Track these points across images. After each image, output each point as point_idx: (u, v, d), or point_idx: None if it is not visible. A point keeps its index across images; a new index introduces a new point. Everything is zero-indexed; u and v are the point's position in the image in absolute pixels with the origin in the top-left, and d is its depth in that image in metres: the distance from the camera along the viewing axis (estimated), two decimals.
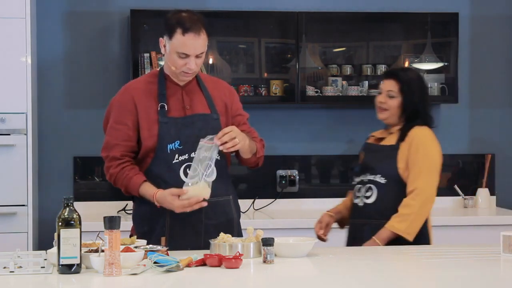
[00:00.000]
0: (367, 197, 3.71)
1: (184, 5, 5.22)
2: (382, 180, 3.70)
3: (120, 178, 3.44)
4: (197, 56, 3.39)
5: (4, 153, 4.65)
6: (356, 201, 3.77)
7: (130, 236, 3.41)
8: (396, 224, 3.59)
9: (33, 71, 4.81)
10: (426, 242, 3.69)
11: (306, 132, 5.48)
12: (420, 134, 3.70)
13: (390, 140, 3.77)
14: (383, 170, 3.70)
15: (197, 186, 3.29)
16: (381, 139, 3.82)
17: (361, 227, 3.71)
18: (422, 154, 3.67)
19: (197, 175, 3.29)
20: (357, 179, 3.79)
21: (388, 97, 3.77)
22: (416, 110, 3.74)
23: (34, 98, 4.89)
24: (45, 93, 5.22)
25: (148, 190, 3.40)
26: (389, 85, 3.79)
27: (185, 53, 3.37)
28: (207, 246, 3.28)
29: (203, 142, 3.31)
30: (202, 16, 3.43)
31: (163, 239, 3.36)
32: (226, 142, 3.30)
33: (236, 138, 3.31)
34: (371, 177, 3.72)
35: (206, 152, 3.30)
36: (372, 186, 3.71)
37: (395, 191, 3.67)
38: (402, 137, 3.71)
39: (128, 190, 3.46)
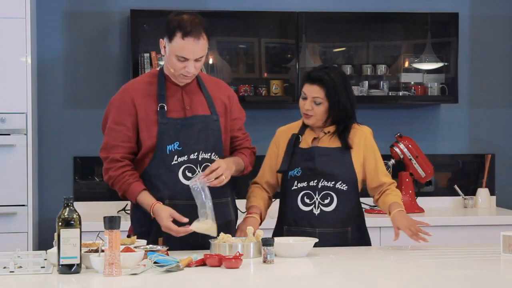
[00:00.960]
0: (325, 205, 3.54)
1: (184, 5, 5.25)
2: (343, 187, 3.54)
3: (119, 182, 3.43)
4: (196, 60, 3.38)
5: (4, 153, 4.65)
6: (306, 208, 3.55)
7: (128, 236, 3.41)
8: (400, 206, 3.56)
9: (33, 71, 4.80)
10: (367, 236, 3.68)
11: None
12: (367, 134, 3.63)
13: (331, 142, 3.60)
14: (344, 177, 3.54)
15: (204, 224, 3.29)
16: (315, 138, 3.64)
17: (321, 236, 3.46)
18: (377, 153, 3.63)
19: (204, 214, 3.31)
20: (302, 184, 3.56)
21: (314, 103, 3.56)
22: (345, 111, 3.57)
23: (34, 98, 4.89)
24: (45, 93, 5.22)
25: (146, 199, 3.39)
26: (314, 91, 3.55)
27: (184, 57, 3.36)
28: (204, 248, 3.29)
29: (193, 183, 3.32)
30: (204, 19, 3.41)
31: (160, 239, 3.36)
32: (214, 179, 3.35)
33: (223, 175, 3.35)
34: (328, 184, 3.53)
35: (201, 193, 3.33)
36: (330, 193, 3.53)
37: (353, 196, 3.58)
38: (347, 142, 3.57)
39: (126, 196, 3.45)
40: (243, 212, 4.96)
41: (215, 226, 3.30)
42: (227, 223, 3.50)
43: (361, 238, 3.62)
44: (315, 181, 3.55)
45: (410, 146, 5.18)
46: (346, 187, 3.55)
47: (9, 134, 4.67)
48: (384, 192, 3.61)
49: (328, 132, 3.61)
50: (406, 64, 5.42)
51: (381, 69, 5.38)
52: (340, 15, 5.36)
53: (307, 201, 3.56)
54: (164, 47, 3.42)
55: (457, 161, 5.62)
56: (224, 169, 3.37)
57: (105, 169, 3.47)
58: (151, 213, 3.36)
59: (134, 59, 5.07)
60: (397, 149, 5.19)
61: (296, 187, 3.58)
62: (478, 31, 5.60)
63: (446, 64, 5.39)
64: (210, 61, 5.23)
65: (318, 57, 5.37)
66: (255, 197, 3.67)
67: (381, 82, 5.37)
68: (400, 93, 5.36)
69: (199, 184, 3.30)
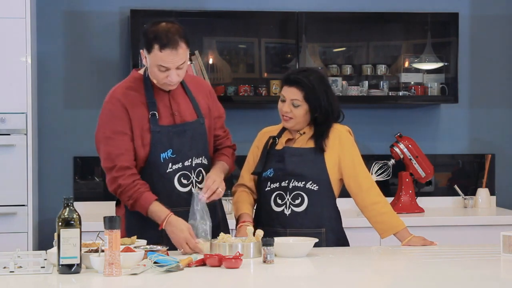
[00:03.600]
0: (296, 205, 3.52)
1: (184, 5, 5.26)
2: (314, 187, 3.51)
3: (130, 190, 3.36)
4: (178, 68, 3.35)
5: (4, 153, 4.65)
6: (278, 209, 3.53)
7: None
8: (400, 222, 3.55)
9: (33, 71, 4.80)
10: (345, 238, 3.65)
11: None
12: (343, 132, 3.58)
13: (307, 143, 3.58)
14: (314, 177, 3.51)
15: (206, 245, 3.29)
16: (290, 139, 3.61)
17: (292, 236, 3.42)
18: (355, 150, 3.58)
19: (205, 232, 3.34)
20: (274, 185, 3.55)
21: (293, 106, 3.53)
22: (326, 114, 3.55)
23: (34, 98, 4.89)
24: (45, 93, 5.22)
25: (160, 209, 3.34)
26: (292, 94, 3.53)
27: (165, 66, 3.34)
28: None
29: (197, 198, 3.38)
30: (181, 25, 3.38)
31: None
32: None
33: (219, 188, 3.40)
34: (298, 184, 3.51)
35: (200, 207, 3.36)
36: (301, 193, 3.52)
37: (326, 197, 3.54)
38: (321, 144, 3.53)
39: (135, 205, 3.37)
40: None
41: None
42: (216, 226, 3.51)
43: (337, 241, 3.57)
44: (286, 181, 3.54)
45: (410, 146, 5.18)
46: (317, 187, 3.52)
47: (9, 134, 4.67)
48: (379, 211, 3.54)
49: (304, 133, 3.59)
50: (406, 64, 5.43)
51: (381, 69, 5.38)
52: (340, 15, 5.37)
53: (279, 201, 3.55)
54: (145, 58, 3.40)
55: (457, 161, 5.62)
56: (219, 181, 3.41)
57: (113, 178, 3.39)
58: (164, 223, 3.31)
59: (134, 59, 5.06)
60: (397, 149, 5.19)
61: (269, 188, 3.57)
62: (478, 31, 5.60)
63: (446, 64, 5.39)
64: (210, 61, 5.23)
65: (318, 57, 5.38)
66: (242, 203, 3.64)
67: (381, 82, 5.37)
68: (400, 93, 5.36)
69: (202, 206, 3.36)
